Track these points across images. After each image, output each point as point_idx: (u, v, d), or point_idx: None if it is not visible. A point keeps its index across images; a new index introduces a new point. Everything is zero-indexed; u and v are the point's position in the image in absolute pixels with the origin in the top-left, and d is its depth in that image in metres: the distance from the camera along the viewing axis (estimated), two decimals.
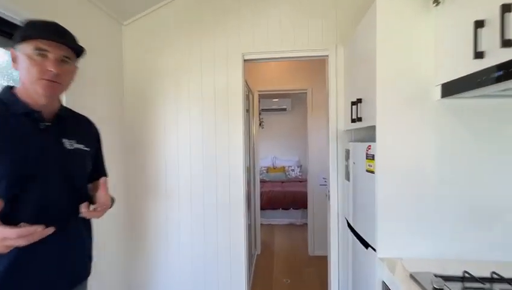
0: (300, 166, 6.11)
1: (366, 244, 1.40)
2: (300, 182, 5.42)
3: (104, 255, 1.74)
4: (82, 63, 0.91)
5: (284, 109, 6.25)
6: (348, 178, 1.75)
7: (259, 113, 3.92)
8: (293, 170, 6.01)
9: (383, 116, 1.21)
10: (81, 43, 0.89)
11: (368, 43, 1.35)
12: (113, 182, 1.93)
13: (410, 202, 1.18)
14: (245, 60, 2.00)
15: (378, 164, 1.22)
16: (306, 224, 4.48)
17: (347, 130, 1.87)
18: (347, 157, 1.76)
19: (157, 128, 2.04)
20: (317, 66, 3.25)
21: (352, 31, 1.80)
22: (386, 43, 1.20)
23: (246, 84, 2.81)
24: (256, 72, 3.35)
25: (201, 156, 2.01)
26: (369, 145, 1.34)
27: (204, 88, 2.00)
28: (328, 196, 2.00)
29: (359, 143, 1.54)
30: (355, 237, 1.61)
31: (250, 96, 3.33)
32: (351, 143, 1.73)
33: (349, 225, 1.77)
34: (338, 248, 1.91)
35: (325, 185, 3.31)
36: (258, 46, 1.95)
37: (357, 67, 1.56)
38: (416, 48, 1.19)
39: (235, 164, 1.98)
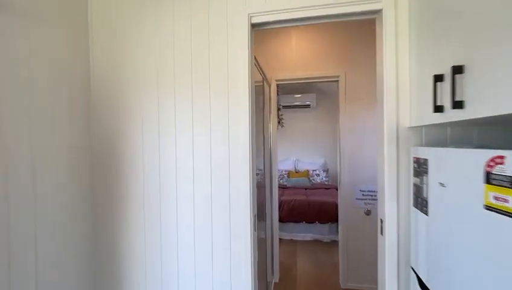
0: (326, 170, 5.35)
1: None
2: (327, 189, 4.68)
3: None
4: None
5: (308, 106, 5.52)
6: (421, 208, 1.04)
7: (278, 109, 3.28)
8: (318, 175, 5.27)
9: None
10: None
11: None
12: (68, 204, 1.21)
13: None
14: (253, 25, 1.37)
15: None
16: (335, 241, 3.76)
17: (413, 127, 1.17)
18: (419, 173, 1.05)
19: (132, 129, 1.47)
20: (352, 43, 2.53)
21: None
22: None
23: (259, 69, 2.18)
24: (272, 56, 2.70)
25: (190, 168, 1.40)
26: (498, 156, 0.64)
27: (195, 68, 1.39)
28: (380, 228, 1.30)
29: (456, 150, 0.84)
30: None
31: (266, 87, 2.69)
32: (426, 149, 1.02)
33: (420, 283, 1.07)
34: None
35: (363, 199, 2.59)
36: (271, 1, 1.31)
37: (451, 16, 0.85)
38: None
39: (238, 175, 1.35)
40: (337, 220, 3.72)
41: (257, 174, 2.45)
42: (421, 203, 1.04)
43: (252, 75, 1.38)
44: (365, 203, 2.49)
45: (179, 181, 1.41)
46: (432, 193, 0.95)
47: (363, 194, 2.49)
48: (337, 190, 4.69)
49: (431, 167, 0.96)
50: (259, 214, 2.37)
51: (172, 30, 1.41)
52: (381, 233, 1.28)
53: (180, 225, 1.42)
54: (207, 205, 1.39)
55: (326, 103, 5.59)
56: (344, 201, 2.61)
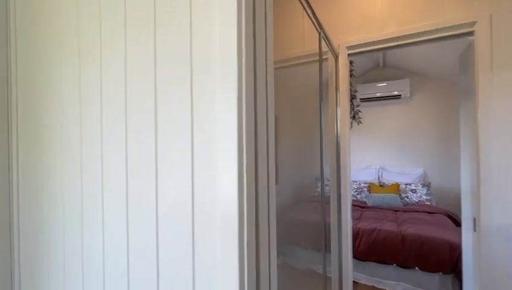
0: (427, 185, 3.82)
1: None
2: (430, 213, 3.22)
3: None
4: None
5: (398, 97, 4.10)
6: None
7: (352, 97, 2.16)
8: (413, 191, 3.81)
9: None
10: None
11: None
12: None
13: None
14: None
15: None
16: None
17: None
18: None
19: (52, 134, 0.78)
20: None
21: None
22: None
23: (312, 19, 1.23)
24: (341, 12, 1.69)
25: (124, 214, 0.60)
26: None
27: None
28: None
29: None
30: None
31: (331, 60, 1.70)
32: None
33: None
34: None
35: None
36: None
37: None
38: None
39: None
40: (453, 271, 2.36)
41: (326, 185, 1.74)
42: None
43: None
44: None
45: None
46: None
47: None
48: (449, 217, 3.18)
49: None
50: (316, 242, 1.56)
51: None
52: None
53: None
54: None
55: (427, 91, 4.05)
56: (488, 256, 1.37)
